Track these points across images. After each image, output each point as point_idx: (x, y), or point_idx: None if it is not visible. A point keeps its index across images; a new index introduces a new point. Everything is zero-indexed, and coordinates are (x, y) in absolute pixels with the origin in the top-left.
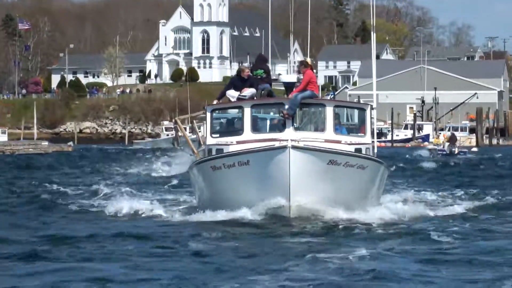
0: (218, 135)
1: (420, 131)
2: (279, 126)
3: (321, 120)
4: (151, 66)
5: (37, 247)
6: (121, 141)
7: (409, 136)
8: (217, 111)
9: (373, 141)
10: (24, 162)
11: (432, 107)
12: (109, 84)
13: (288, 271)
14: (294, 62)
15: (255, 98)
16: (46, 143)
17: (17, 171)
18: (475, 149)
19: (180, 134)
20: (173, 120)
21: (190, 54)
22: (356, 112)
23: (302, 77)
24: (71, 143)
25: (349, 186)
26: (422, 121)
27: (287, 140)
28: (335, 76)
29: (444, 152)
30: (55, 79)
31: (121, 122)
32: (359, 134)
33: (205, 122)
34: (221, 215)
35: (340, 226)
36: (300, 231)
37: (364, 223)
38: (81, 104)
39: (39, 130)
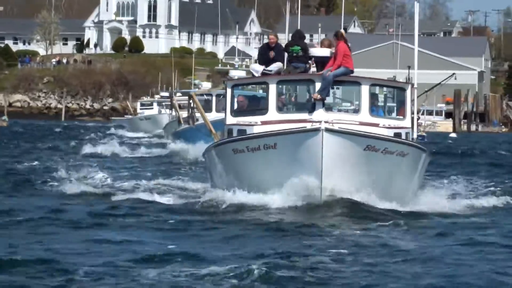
0: (239, 114)
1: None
2: (308, 106)
3: (356, 100)
4: (90, 34)
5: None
6: (56, 117)
7: None
8: (238, 87)
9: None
10: None
11: None
12: (42, 52)
13: (316, 268)
14: (250, 34)
15: (282, 73)
16: None
17: None
18: (453, 135)
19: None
20: (188, 96)
21: (135, 21)
22: (394, 92)
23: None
24: (5, 117)
25: (387, 175)
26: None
27: (319, 121)
28: None
29: None
30: None
31: (56, 96)
32: (397, 116)
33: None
34: (242, 203)
35: (376, 219)
36: (331, 223)
37: (402, 215)
38: (10, 74)
39: None
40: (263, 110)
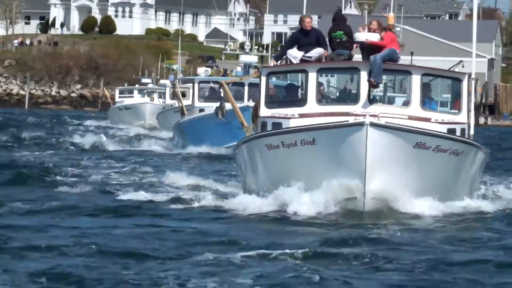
0: (275, 106)
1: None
2: (351, 97)
3: (406, 91)
4: (56, 13)
5: None
6: (18, 104)
7: None
8: (274, 75)
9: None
10: None
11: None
12: (2, 33)
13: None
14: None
15: (323, 60)
16: None
17: None
18: None
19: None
20: (218, 85)
21: None
22: (449, 82)
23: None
24: None
25: (439, 175)
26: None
27: (364, 115)
28: (285, 33)
29: None
30: None
31: (18, 81)
32: (452, 110)
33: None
34: (273, 206)
35: (426, 226)
36: (375, 230)
37: (455, 220)
38: None
39: None
40: (302, 101)
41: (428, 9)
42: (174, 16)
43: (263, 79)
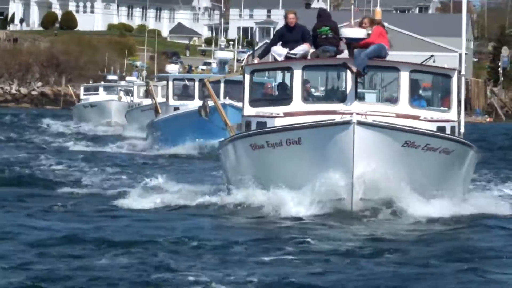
0: (259, 104)
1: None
2: (338, 94)
3: (394, 88)
4: (15, 8)
5: None
6: None
7: None
8: (258, 73)
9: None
10: None
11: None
12: None
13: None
14: (198, 9)
15: (308, 57)
16: None
17: None
18: None
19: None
20: (202, 83)
21: None
22: (438, 79)
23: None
24: None
25: (428, 175)
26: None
27: (350, 113)
28: (251, 28)
29: None
30: None
31: None
32: (442, 108)
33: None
34: (258, 207)
35: (416, 227)
36: (363, 232)
37: (445, 222)
38: None
39: None
40: (286, 99)
41: (397, 2)
42: (137, 11)
43: (247, 77)
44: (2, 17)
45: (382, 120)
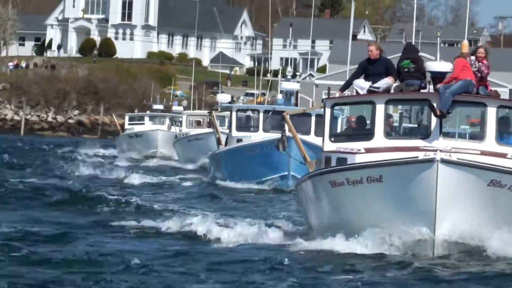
0: (340, 139)
1: None
2: (421, 130)
3: (480, 124)
4: (52, 34)
5: None
6: (12, 130)
7: None
8: (339, 106)
9: None
10: None
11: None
12: None
13: None
14: (240, 38)
15: (392, 91)
16: None
17: None
18: None
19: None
20: (281, 116)
21: (106, 20)
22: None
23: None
24: None
25: None
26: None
27: (435, 150)
28: (295, 59)
29: None
30: None
31: (13, 106)
32: None
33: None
34: (338, 244)
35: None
36: (447, 277)
37: None
38: None
39: None
40: (368, 135)
41: (446, 35)
42: (177, 39)
43: (327, 111)
44: (39, 43)
45: (467, 158)
